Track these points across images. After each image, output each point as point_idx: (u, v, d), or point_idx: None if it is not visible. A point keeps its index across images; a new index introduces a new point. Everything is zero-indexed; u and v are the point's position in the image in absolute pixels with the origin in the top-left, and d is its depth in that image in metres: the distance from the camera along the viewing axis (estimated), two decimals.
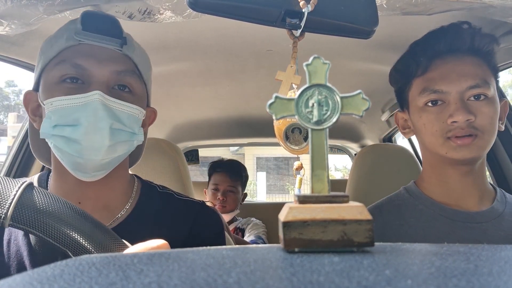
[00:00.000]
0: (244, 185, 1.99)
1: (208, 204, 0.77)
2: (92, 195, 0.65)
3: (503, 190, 0.79)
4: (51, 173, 0.68)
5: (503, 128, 0.76)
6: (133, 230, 0.65)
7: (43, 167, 1.27)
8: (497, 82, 0.75)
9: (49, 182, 0.69)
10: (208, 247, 0.27)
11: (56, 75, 0.61)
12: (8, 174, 1.19)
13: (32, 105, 0.67)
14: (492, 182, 1.24)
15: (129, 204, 0.69)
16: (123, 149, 0.63)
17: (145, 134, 0.74)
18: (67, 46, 0.62)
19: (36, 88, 0.66)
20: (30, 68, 1.06)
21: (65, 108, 0.58)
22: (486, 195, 0.76)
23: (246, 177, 2.01)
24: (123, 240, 0.43)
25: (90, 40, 0.63)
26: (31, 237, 0.62)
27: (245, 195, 2.02)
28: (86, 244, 0.39)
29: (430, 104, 0.73)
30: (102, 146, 0.59)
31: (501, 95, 0.77)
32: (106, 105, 0.59)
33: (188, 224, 0.72)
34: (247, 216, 2.05)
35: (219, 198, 1.84)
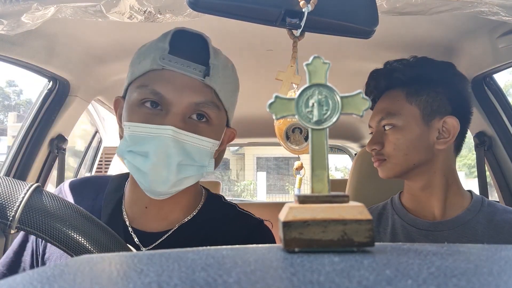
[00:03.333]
0: None
1: (267, 223, 0.77)
2: (158, 203, 0.67)
3: (485, 198, 0.87)
4: (129, 177, 0.71)
5: (440, 147, 0.83)
6: (188, 234, 0.68)
7: (42, 167, 1.27)
8: (419, 102, 0.84)
9: (127, 182, 0.73)
10: (208, 247, 0.27)
11: (136, 98, 0.62)
12: (7, 174, 1.19)
13: (120, 111, 0.69)
14: (492, 183, 1.24)
15: (191, 217, 0.71)
16: (190, 181, 0.65)
17: (222, 151, 0.76)
18: (151, 69, 0.62)
19: (124, 95, 0.68)
20: (30, 68, 1.06)
21: (138, 136, 0.60)
22: (451, 205, 0.85)
23: None
24: (129, 246, 0.43)
25: (173, 67, 0.62)
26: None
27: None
28: (92, 249, 0.39)
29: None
30: (168, 181, 0.60)
31: (447, 111, 0.85)
32: (177, 141, 0.59)
33: (241, 237, 0.72)
34: None
35: None
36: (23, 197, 0.39)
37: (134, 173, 0.62)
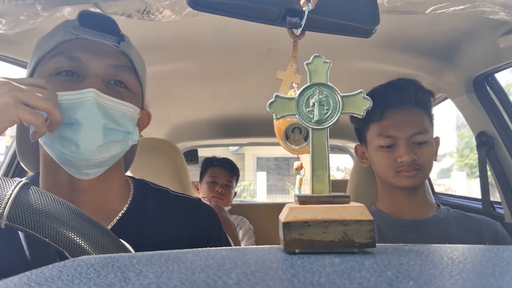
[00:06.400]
0: (236, 184, 2.01)
1: (205, 200, 0.77)
2: (86, 198, 0.63)
3: (448, 207, 1.01)
4: (41, 177, 0.66)
5: (437, 159, 0.98)
6: (131, 228, 0.65)
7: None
8: (432, 125, 0.97)
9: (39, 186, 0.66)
10: (208, 248, 0.27)
11: (51, 68, 0.61)
12: (6, 174, 1.18)
13: None
14: (493, 182, 1.24)
15: (127, 206, 0.68)
16: (117, 148, 0.62)
17: (137, 145, 0.73)
18: (64, 40, 0.62)
19: None
20: None
21: (60, 106, 0.57)
22: (428, 207, 0.98)
23: (238, 176, 2.04)
24: (121, 240, 0.42)
25: (87, 35, 0.63)
26: None
27: (235, 193, 2.04)
28: (83, 244, 0.39)
29: (385, 145, 0.93)
30: (94, 145, 0.58)
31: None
32: (100, 104, 0.58)
33: (187, 220, 0.71)
34: (241, 215, 2.07)
35: (217, 190, 1.85)
36: (10, 194, 0.39)
37: (51, 146, 0.58)
